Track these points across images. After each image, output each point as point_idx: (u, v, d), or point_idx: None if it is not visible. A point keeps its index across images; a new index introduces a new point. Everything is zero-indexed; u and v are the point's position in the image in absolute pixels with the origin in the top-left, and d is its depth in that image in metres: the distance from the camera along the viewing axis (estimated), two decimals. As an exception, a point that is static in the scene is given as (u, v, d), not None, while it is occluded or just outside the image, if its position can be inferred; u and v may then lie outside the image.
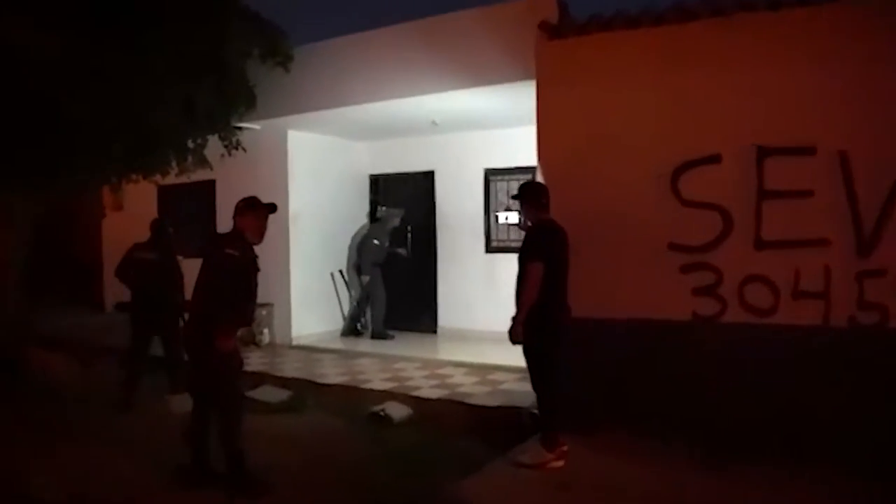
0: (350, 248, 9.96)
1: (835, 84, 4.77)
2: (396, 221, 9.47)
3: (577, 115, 5.65)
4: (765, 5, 4.92)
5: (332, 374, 7.45)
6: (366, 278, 9.29)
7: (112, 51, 6.32)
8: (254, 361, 8.07)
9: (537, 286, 4.62)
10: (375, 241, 9.30)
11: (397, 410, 6.23)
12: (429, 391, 6.61)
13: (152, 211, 10.67)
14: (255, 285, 4.67)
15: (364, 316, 9.73)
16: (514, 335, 4.71)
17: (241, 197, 4.86)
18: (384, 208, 9.80)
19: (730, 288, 5.10)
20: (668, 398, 5.21)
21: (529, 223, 5.00)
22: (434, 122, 8.36)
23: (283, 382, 7.16)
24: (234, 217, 4.80)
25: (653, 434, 5.14)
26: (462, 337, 9.19)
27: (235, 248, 4.57)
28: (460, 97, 7.21)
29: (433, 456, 5.34)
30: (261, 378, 7.29)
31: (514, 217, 5.31)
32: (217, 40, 6.87)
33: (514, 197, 5.15)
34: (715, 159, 5.11)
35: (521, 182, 5.28)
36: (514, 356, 7.72)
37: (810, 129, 4.85)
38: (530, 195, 4.94)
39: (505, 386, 6.75)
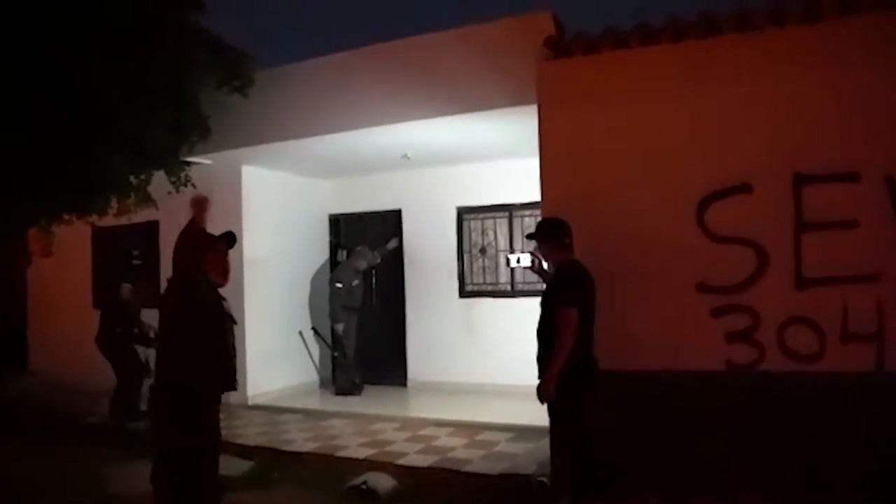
0: (312, 297, 9.10)
1: (880, 102, 4.30)
2: (363, 264, 8.62)
3: (586, 140, 5.04)
4: (800, 18, 4.44)
5: (299, 439, 6.55)
6: (339, 326, 8.40)
7: (43, 82, 5.48)
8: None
9: (573, 334, 3.94)
10: (338, 285, 8.43)
11: (381, 482, 5.38)
12: (415, 458, 5.79)
13: (85, 256, 9.66)
14: (233, 338, 3.86)
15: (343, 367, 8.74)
16: (545, 392, 3.98)
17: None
18: (344, 252, 9.00)
19: (768, 332, 4.52)
20: (701, 458, 4.56)
21: (551, 265, 4.36)
22: (406, 156, 7.68)
23: (243, 451, 6.22)
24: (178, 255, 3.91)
25: (686, 499, 4.47)
26: (435, 390, 8.39)
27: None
28: (437, 126, 6.56)
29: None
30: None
31: (526, 259, 4.58)
32: (174, 69, 6.05)
33: (530, 236, 4.50)
34: (745, 189, 4.57)
35: (539, 221, 4.59)
36: (499, 412, 7.14)
37: (853, 153, 4.36)
38: (551, 233, 4.30)
39: (500, 448, 5.99)
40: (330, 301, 8.47)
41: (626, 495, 4.53)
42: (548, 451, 5.68)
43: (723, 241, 4.63)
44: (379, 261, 8.69)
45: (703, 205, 4.67)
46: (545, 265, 4.61)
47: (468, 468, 5.45)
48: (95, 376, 8.97)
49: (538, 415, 6.71)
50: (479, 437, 6.32)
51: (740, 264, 4.58)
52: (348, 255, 8.74)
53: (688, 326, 4.70)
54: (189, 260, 3.75)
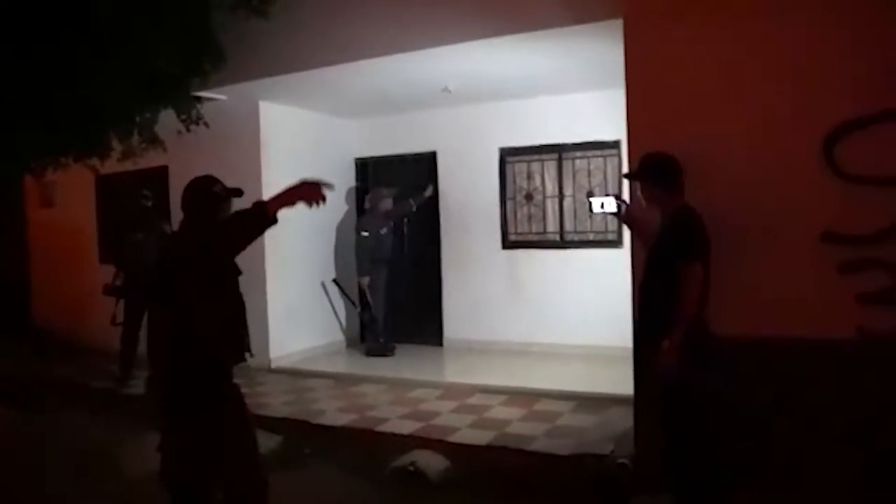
0: (337, 248, 8.30)
1: None
2: (389, 203, 7.77)
3: (687, 63, 4.12)
4: None
5: (331, 409, 5.81)
6: (365, 280, 7.61)
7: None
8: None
9: (699, 294, 3.15)
10: (364, 234, 7.59)
11: (432, 463, 4.67)
12: (469, 433, 5.05)
13: (89, 207, 8.88)
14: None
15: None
16: (667, 364, 3.17)
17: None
18: (368, 194, 8.14)
19: (914, 294, 3.68)
20: (822, 446, 3.79)
21: (659, 211, 3.53)
22: (447, 89, 6.76)
23: (268, 423, 5.51)
24: (210, 208, 3.25)
25: (806, 494, 3.72)
26: (475, 350, 7.64)
27: None
28: (486, 52, 5.63)
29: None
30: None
31: (611, 204, 3.74)
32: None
33: (630, 176, 3.67)
34: (890, 117, 3.67)
35: (645, 157, 3.64)
36: (554, 377, 6.37)
37: None
38: (663, 172, 3.46)
39: (564, 421, 5.24)
40: (356, 253, 7.65)
41: (736, 493, 3.75)
42: (618, 424, 4.99)
43: (857, 182, 3.75)
44: (414, 209, 7.85)
45: (834, 137, 3.78)
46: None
47: (532, 447, 4.70)
48: (100, 334, 8.34)
49: (598, 380, 6.04)
50: (536, 408, 5.57)
51: (880, 209, 3.71)
52: (368, 199, 7.89)
53: (808, 285, 3.87)
54: (211, 213, 3.20)
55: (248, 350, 3.24)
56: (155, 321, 3.17)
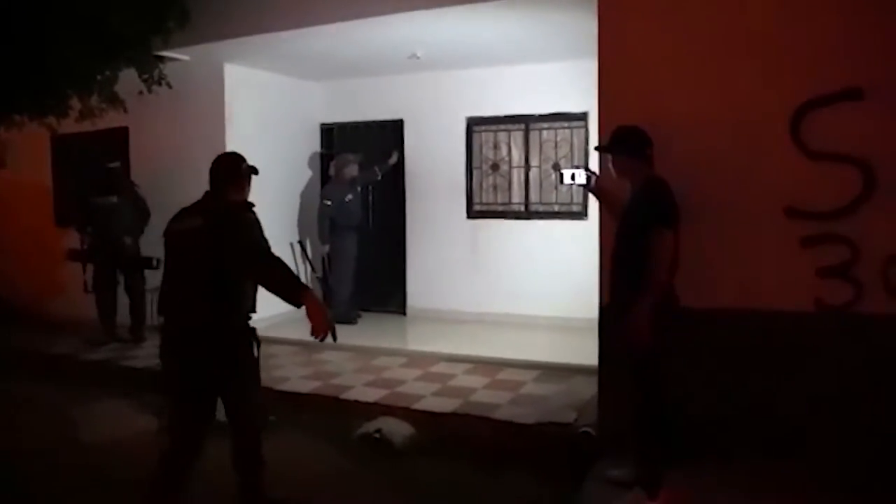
0: (301, 214, 8.21)
1: None
2: (354, 170, 7.69)
3: (660, 36, 4.13)
4: None
5: (294, 376, 5.81)
6: (325, 248, 7.56)
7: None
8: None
9: (669, 262, 3.21)
10: (327, 202, 7.51)
11: (397, 430, 4.70)
12: (433, 401, 5.08)
13: (44, 168, 8.62)
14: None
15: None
16: (639, 333, 3.19)
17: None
18: (333, 161, 8.06)
19: (870, 268, 3.79)
20: (777, 415, 3.91)
21: (629, 182, 3.56)
22: (415, 56, 6.70)
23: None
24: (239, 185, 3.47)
25: (768, 461, 3.84)
26: (438, 319, 7.69)
27: None
28: (456, 18, 5.56)
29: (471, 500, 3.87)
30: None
31: (582, 176, 3.76)
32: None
33: (601, 148, 3.69)
34: (854, 95, 3.75)
35: (617, 129, 3.62)
36: (518, 346, 6.42)
37: None
38: (634, 144, 3.47)
39: (528, 390, 5.31)
40: (318, 220, 7.57)
41: (699, 460, 3.85)
42: (581, 393, 5.07)
43: (820, 158, 3.84)
44: (379, 177, 7.79)
45: (800, 113, 3.84)
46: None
47: (496, 414, 4.76)
48: (55, 303, 8.18)
49: (561, 350, 6.11)
50: (500, 377, 5.64)
51: (841, 186, 3.79)
52: (333, 166, 7.80)
53: (770, 258, 3.96)
54: (239, 190, 3.44)
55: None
56: (181, 278, 3.22)
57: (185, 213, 3.30)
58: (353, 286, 7.69)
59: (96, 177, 7.10)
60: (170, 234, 3.30)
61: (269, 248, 3.24)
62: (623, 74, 4.21)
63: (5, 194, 8.95)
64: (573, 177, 3.96)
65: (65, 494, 3.90)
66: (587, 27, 4.42)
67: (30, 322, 8.07)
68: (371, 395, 5.24)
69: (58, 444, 4.62)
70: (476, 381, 5.54)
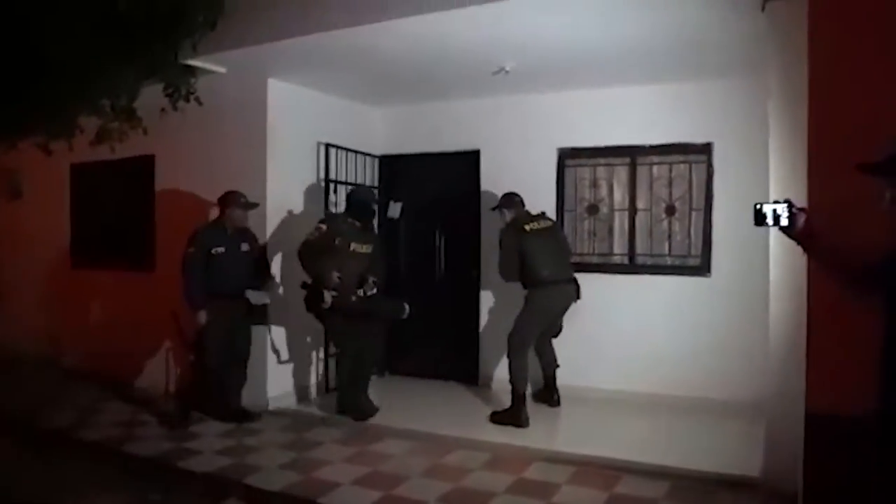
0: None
1: None
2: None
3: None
4: None
5: (343, 476, 4.40)
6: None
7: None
8: (206, 446, 4.99)
9: None
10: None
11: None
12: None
13: (63, 198, 7.52)
14: None
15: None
16: None
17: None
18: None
19: None
20: None
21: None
22: (503, 70, 5.38)
23: (262, 498, 4.12)
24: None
25: None
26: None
27: None
28: (561, 11, 4.25)
29: None
30: (220, 487, 4.27)
31: (784, 212, 2.27)
32: None
33: (872, 167, 2.21)
34: None
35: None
36: (632, 439, 4.89)
37: None
38: None
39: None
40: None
41: None
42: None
43: None
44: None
45: None
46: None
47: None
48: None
49: (685, 447, 4.41)
50: (619, 489, 4.12)
51: None
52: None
53: None
54: None
55: None
56: None
57: None
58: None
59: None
60: None
61: None
62: (849, 85, 2.82)
63: (23, 229, 7.86)
64: (776, 214, 2.51)
65: None
66: (731, 35, 3.06)
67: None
68: (447, 515, 3.80)
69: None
70: (588, 498, 4.04)
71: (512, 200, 5.63)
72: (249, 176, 5.76)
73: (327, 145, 6.29)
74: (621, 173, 6.14)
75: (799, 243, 2.56)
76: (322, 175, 6.29)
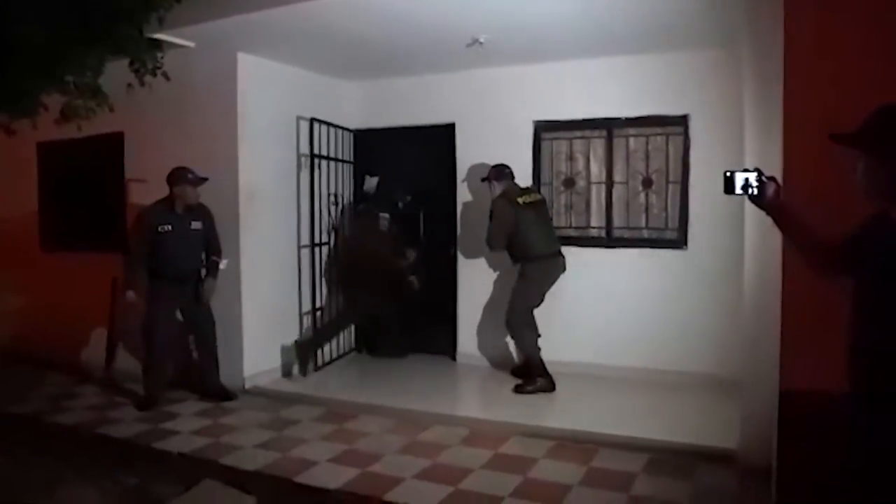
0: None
1: None
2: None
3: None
4: None
5: (319, 453, 4.38)
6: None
7: None
8: (184, 426, 4.95)
9: None
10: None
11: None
12: (514, 507, 3.63)
13: (30, 178, 7.35)
14: None
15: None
16: None
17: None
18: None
19: None
20: None
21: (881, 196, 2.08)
22: (477, 42, 5.29)
23: (238, 478, 4.09)
24: None
25: None
26: (497, 366, 6.27)
27: None
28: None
29: None
30: (196, 467, 4.22)
31: (753, 180, 2.21)
32: None
33: (845, 138, 2.13)
34: None
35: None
36: (609, 413, 4.88)
37: None
38: None
39: (641, 489, 3.82)
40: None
41: None
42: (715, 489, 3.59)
43: None
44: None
45: None
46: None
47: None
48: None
49: (664, 420, 4.39)
50: (597, 463, 4.14)
51: None
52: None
53: None
54: None
55: None
56: None
57: None
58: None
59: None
60: None
61: None
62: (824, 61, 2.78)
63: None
64: (747, 183, 2.45)
65: None
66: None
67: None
68: (425, 490, 3.79)
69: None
70: (566, 472, 4.06)
71: (502, 172, 5.62)
72: (220, 151, 5.67)
73: (312, 120, 6.17)
74: (598, 146, 6.09)
75: (768, 213, 2.50)
76: (306, 150, 6.21)
